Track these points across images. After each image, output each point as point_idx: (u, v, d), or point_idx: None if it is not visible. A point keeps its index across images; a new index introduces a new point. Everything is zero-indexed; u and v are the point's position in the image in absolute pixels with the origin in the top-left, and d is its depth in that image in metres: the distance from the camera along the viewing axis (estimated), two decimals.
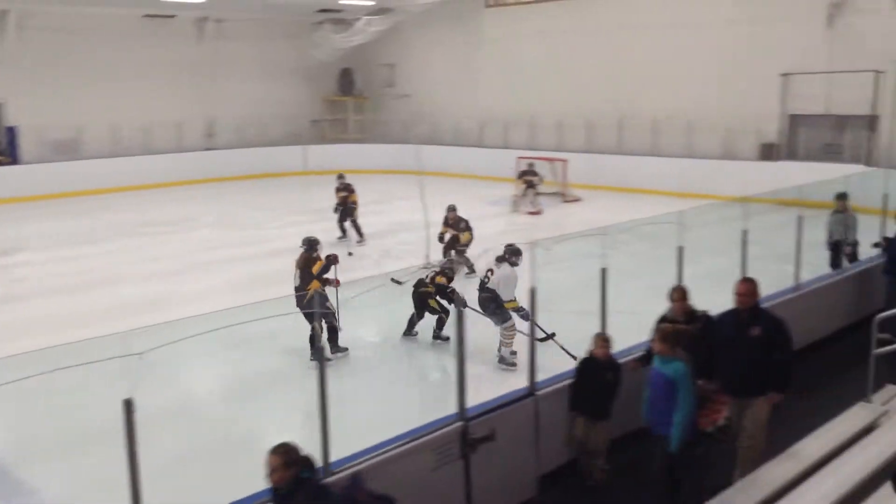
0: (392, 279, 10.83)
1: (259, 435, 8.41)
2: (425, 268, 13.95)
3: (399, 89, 32.23)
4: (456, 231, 14.53)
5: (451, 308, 10.50)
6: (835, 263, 12.18)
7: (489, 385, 7.45)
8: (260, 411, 8.90)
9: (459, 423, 6.07)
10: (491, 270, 9.75)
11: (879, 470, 5.76)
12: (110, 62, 26.94)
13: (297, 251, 10.76)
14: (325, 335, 9.48)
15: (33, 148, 25.68)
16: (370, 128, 33.03)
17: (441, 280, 10.47)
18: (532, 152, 25.43)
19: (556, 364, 8.00)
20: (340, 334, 9.95)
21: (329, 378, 5.29)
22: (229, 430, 8.34)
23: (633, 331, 7.54)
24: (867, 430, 6.67)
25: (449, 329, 10.31)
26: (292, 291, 9.92)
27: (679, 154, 24.08)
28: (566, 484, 6.93)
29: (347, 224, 17.54)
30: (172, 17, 28.08)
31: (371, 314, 11.62)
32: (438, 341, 10.60)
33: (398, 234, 17.86)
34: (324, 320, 9.14)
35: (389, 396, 9.35)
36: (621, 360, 7.18)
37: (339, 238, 17.13)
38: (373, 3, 27.58)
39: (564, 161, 23.81)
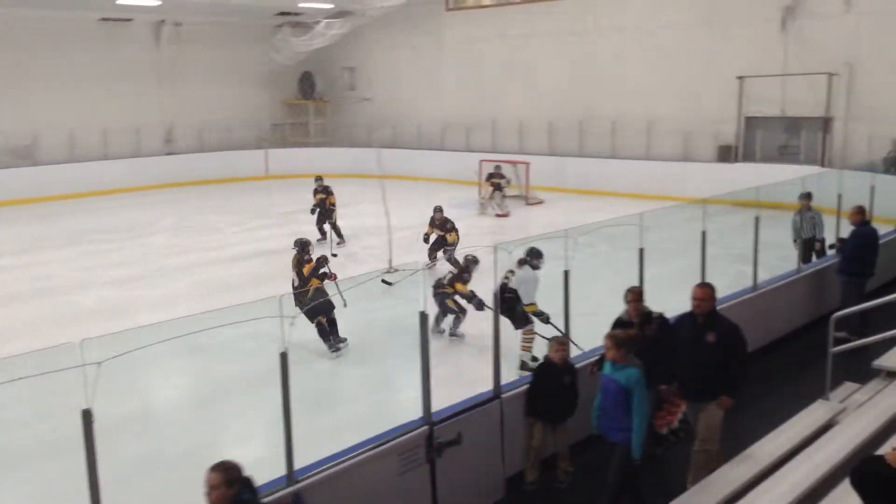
0: (382, 280, 10.90)
1: (222, 443, 8.34)
2: (427, 267, 14.12)
3: (360, 93, 32.15)
4: (443, 232, 14.68)
5: (469, 307, 10.63)
6: (806, 259, 12.44)
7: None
8: (222, 419, 8.81)
9: (425, 427, 6.06)
10: (512, 272, 9.72)
11: (838, 467, 5.85)
12: (66, 67, 26.48)
13: (259, 256, 10.71)
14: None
15: None
16: (332, 131, 32.89)
17: (461, 288, 10.66)
18: (494, 155, 25.51)
19: None
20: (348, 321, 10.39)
21: (293, 383, 5.25)
22: (191, 439, 8.23)
23: (597, 332, 7.58)
24: (826, 428, 6.77)
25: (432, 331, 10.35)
26: (253, 297, 9.80)
27: (639, 156, 24.35)
28: (537, 481, 6.95)
29: (327, 226, 17.52)
30: (129, 20, 27.71)
31: (337, 317, 11.56)
32: (454, 338, 10.80)
33: (361, 238, 17.82)
34: (324, 316, 10.26)
35: (354, 401, 9.33)
36: (581, 364, 7.20)
37: (319, 240, 17.08)
38: (332, 6, 27.47)
39: (527, 164, 23.92)
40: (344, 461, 5.60)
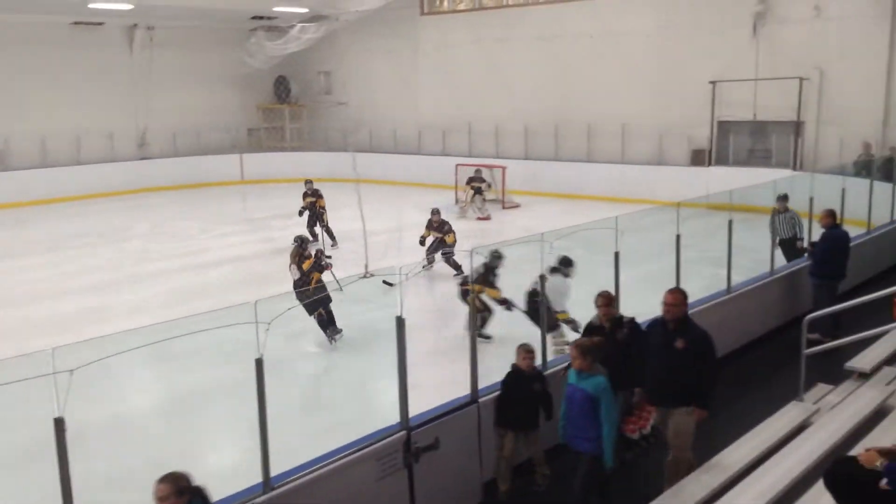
0: (384, 281, 10.89)
1: (198, 450, 8.28)
2: (424, 268, 14.36)
3: (336, 97, 32.06)
4: (440, 234, 15.03)
5: (494, 307, 10.59)
6: (789, 258, 12.61)
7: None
8: (198, 426, 8.74)
9: (402, 433, 6.04)
10: (543, 277, 9.67)
11: (812, 468, 5.90)
12: (38, 71, 26.18)
13: (233, 261, 10.72)
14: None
15: None
16: (308, 136, 32.78)
17: (491, 292, 10.59)
18: (471, 159, 25.58)
19: None
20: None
21: (269, 389, 5.22)
22: (167, 447, 8.16)
23: (573, 335, 7.61)
24: (800, 429, 6.83)
25: (413, 335, 10.28)
26: (227, 303, 9.74)
27: (614, 160, 24.48)
28: (512, 487, 6.95)
29: (318, 229, 17.53)
30: (101, 24, 27.45)
31: (312, 323, 11.52)
32: (480, 339, 10.34)
33: (339, 242, 17.75)
34: (323, 308, 10.94)
35: (333, 407, 9.29)
36: (549, 371, 7.17)
37: (311, 243, 17.07)
38: (306, 10, 27.38)
39: (503, 168, 23.98)
40: (321, 467, 5.57)
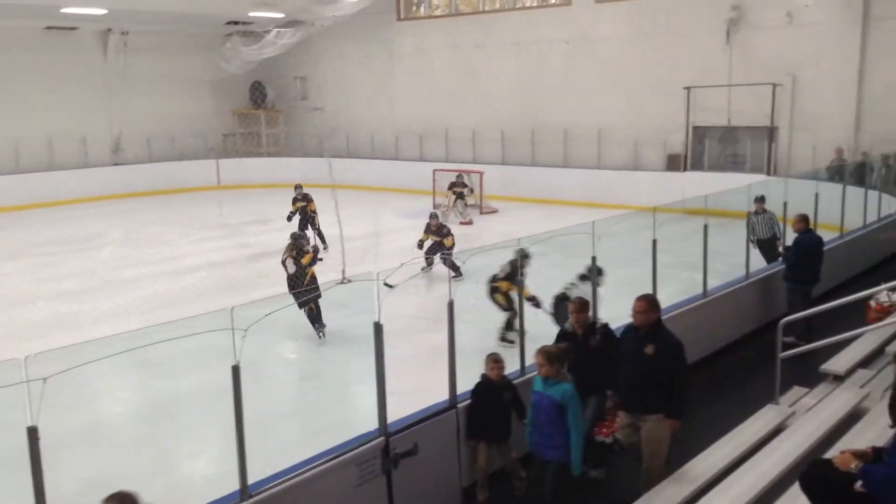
0: (385, 283, 10.83)
1: (175, 457, 8.20)
2: (423, 270, 14.64)
3: (312, 102, 32.00)
4: (439, 237, 15.36)
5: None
6: (769, 258, 12.77)
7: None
8: (174, 435, 8.65)
9: (381, 439, 6.02)
10: (574, 284, 9.68)
11: (788, 471, 5.94)
12: (10, 75, 25.91)
13: (209, 268, 10.63)
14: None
15: None
16: (284, 141, 32.66)
17: (502, 285, 10.61)
18: (448, 165, 25.62)
19: None
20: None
21: (246, 396, 5.18)
22: (142, 456, 8.08)
23: (551, 341, 7.60)
24: (776, 432, 6.88)
25: (391, 341, 10.25)
26: (203, 310, 9.67)
27: (590, 165, 24.62)
28: (490, 495, 6.93)
29: (309, 232, 17.52)
30: (75, 29, 27.20)
31: (289, 330, 11.48)
32: (504, 343, 10.37)
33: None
34: (314, 303, 11.24)
35: (304, 413, 9.24)
36: (519, 380, 7.08)
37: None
38: (282, 15, 27.30)
39: (480, 173, 24.03)
40: (299, 474, 5.53)
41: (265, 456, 5.67)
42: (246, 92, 32.31)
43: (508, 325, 10.72)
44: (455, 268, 14.27)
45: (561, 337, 7.04)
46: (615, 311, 7.60)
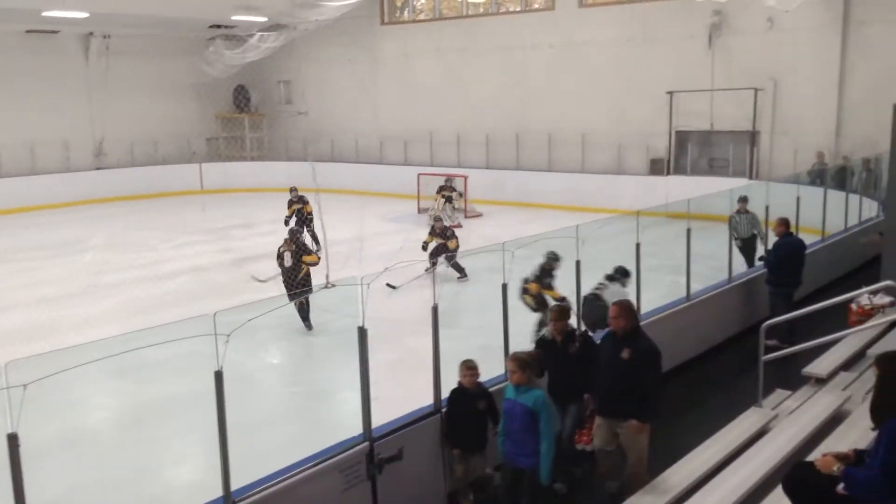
0: (387, 284, 10.91)
1: (157, 463, 8.14)
2: (427, 271, 14.50)
3: (296, 106, 31.91)
4: (443, 240, 15.55)
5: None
6: (748, 257, 12.89)
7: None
8: (157, 441, 8.59)
9: (365, 444, 6.00)
10: (605, 285, 9.70)
11: (772, 473, 5.97)
12: None
13: (192, 272, 10.59)
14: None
15: None
16: (268, 145, 32.56)
17: (532, 286, 10.57)
18: (432, 168, 25.63)
19: None
20: None
21: (229, 402, 5.15)
22: (125, 463, 8.02)
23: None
24: (759, 435, 6.91)
25: (376, 346, 10.23)
26: (186, 315, 9.61)
27: (574, 169, 24.69)
28: (474, 501, 6.92)
29: (305, 234, 17.50)
30: (56, 32, 27.00)
31: (272, 335, 11.43)
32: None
33: None
34: (305, 298, 11.77)
35: (288, 418, 9.20)
36: (494, 388, 6.96)
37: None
38: (265, 19, 27.23)
39: (465, 177, 24.05)
40: (283, 480, 5.51)
41: (248, 462, 5.64)
42: (229, 96, 32.13)
43: (541, 326, 10.75)
44: (460, 269, 14.61)
45: (540, 345, 6.98)
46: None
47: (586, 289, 8.85)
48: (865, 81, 19.68)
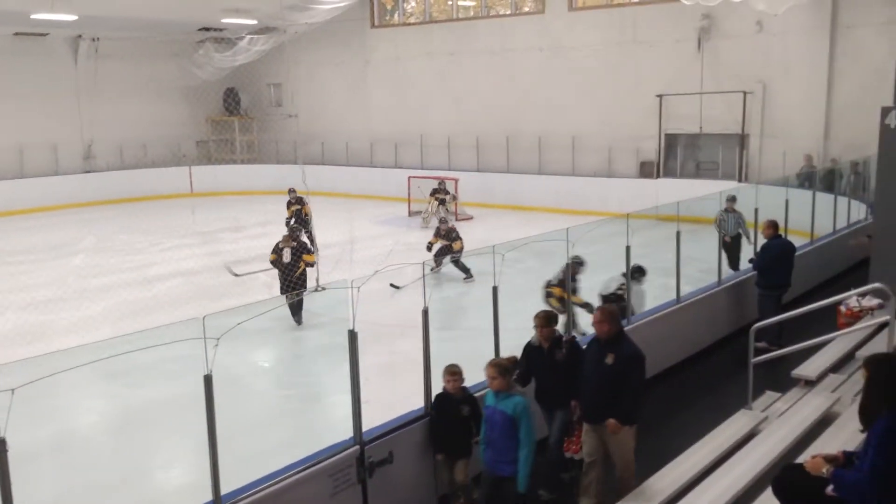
0: (391, 284, 10.94)
1: (147, 467, 8.11)
2: (433, 271, 14.85)
3: (286, 109, 31.83)
4: (448, 241, 15.78)
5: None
6: (732, 257, 12.96)
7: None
8: (146, 446, 8.56)
9: (356, 447, 5.99)
10: (625, 284, 9.84)
11: (762, 475, 5.98)
12: None
13: (181, 276, 10.55)
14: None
15: None
16: (258, 148, 32.50)
17: (555, 290, 10.62)
18: (423, 172, 25.62)
19: None
20: None
21: (219, 406, 5.13)
22: (114, 467, 7.98)
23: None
24: (749, 437, 6.93)
25: (367, 349, 10.23)
26: (174, 319, 9.62)
27: (564, 172, 24.73)
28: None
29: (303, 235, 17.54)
30: (44, 35, 26.88)
31: (262, 338, 11.39)
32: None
33: None
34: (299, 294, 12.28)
35: (279, 422, 9.18)
36: (480, 393, 6.89)
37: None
38: (255, 22, 27.19)
39: (455, 180, 24.06)
40: (273, 484, 5.49)
41: (238, 466, 5.62)
42: (219, 99, 32.08)
43: (567, 329, 10.77)
44: (466, 270, 14.77)
45: (526, 351, 6.92)
46: (590, 317, 7.61)
47: (590, 287, 8.84)
48: (853, 85, 19.78)
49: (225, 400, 5.23)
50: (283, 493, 5.49)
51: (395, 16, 29.48)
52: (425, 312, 6.47)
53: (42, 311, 13.73)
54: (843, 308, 10.24)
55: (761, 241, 11.24)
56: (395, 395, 7.34)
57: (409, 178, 24.85)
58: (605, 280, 10.45)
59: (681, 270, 10.22)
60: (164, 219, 24.47)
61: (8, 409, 3.99)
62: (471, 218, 23.59)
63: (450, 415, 6.38)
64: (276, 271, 13.53)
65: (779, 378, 8.32)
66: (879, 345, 8.35)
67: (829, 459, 4.53)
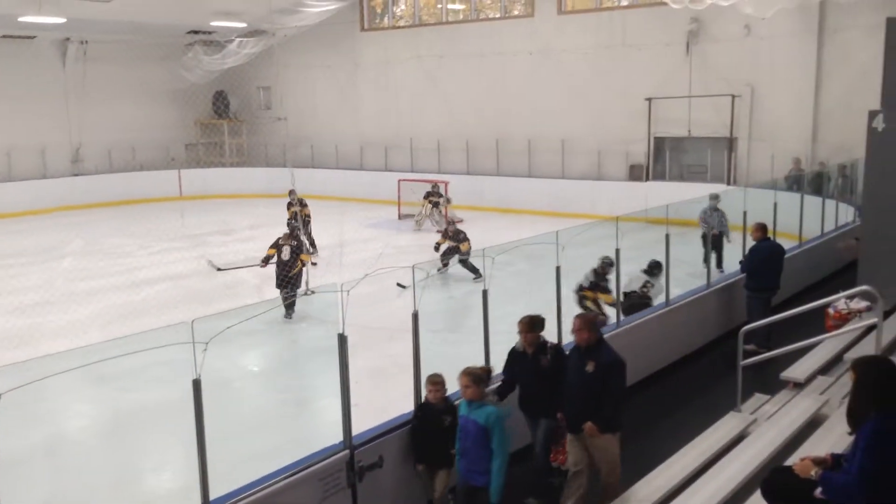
0: (398, 283, 10.97)
1: (136, 472, 8.07)
2: (439, 272, 15.50)
3: (275, 112, 31.76)
4: (456, 242, 16.02)
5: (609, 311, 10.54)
6: (717, 255, 13.04)
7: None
8: (134, 450, 8.52)
9: (346, 452, 5.97)
10: (650, 282, 10.13)
11: (750, 478, 6.00)
12: None
13: (169, 279, 10.56)
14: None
15: None
16: (248, 151, 32.42)
17: (606, 298, 10.67)
18: (413, 175, 25.62)
19: None
20: None
21: (208, 410, 5.11)
22: (103, 470, 7.94)
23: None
24: (738, 439, 6.95)
25: (357, 351, 10.21)
26: (163, 323, 9.58)
27: (554, 175, 24.79)
28: None
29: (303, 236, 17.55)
30: (32, 38, 26.75)
31: (252, 342, 11.36)
32: None
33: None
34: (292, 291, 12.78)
35: (268, 426, 9.15)
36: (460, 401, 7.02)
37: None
38: (244, 25, 27.14)
39: (445, 183, 24.05)
40: (262, 489, 5.46)
41: (228, 470, 5.60)
42: (208, 102, 31.97)
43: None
44: (474, 270, 14.67)
45: (510, 357, 6.88)
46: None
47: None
48: (841, 88, 19.89)
49: (215, 404, 5.21)
50: (273, 498, 5.47)
51: (385, 19, 29.48)
52: (415, 316, 6.46)
53: (30, 314, 13.64)
54: (831, 310, 10.28)
55: (749, 243, 11.28)
56: (386, 399, 7.33)
57: (399, 181, 24.84)
58: (625, 280, 10.41)
59: (670, 273, 10.24)
60: (153, 222, 24.29)
61: None
62: (461, 221, 23.55)
63: (431, 425, 6.31)
64: (260, 271, 14.17)
65: (768, 380, 8.35)
66: (867, 347, 8.39)
67: (817, 462, 4.54)
